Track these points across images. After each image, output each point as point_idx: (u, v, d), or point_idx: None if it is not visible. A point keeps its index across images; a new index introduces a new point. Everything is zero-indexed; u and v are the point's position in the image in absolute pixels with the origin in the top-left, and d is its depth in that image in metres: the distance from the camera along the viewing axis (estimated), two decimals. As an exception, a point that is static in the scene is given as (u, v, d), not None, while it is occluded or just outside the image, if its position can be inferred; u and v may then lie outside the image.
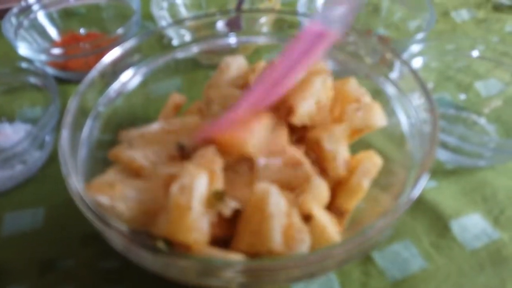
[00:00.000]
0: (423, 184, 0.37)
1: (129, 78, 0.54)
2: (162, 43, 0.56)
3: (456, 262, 0.50)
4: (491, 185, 0.58)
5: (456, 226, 0.53)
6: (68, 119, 0.44)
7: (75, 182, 0.39)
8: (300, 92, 0.47)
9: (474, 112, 0.68)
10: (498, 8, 0.93)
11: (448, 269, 0.50)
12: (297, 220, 0.40)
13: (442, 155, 0.60)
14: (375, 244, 0.38)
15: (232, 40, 0.59)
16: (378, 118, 0.48)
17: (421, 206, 0.55)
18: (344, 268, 0.49)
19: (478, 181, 0.59)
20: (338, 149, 0.45)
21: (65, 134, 0.42)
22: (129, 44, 0.53)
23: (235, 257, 0.37)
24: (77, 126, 0.46)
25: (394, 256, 0.51)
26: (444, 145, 0.57)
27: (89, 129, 0.48)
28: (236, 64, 0.56)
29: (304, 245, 0.39)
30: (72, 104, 0.45)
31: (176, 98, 0.55)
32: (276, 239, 0.38)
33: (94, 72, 0.49)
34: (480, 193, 0.57)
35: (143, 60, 0.55)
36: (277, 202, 0.39)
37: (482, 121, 0.67)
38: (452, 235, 0.53)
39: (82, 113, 0.47)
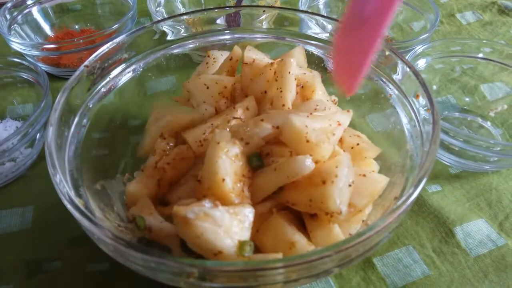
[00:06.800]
0: (422, 186, 0.36)
1: (121, 74, 0.52)
2: (155, 39, 0.55)
3: (459, 269, 0.48)
4: (496, 190, 0.56)
5: (460, 231, 0.52)
6: (55, 116, 0.42)
7: (62, 181, 0.37)
8: None
9: (479, 115, 0.66)
10: (503, 11, 0.92)
11: (451, 276, 0.48)
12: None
13: (447, 158, 0.58)
14: (374, 246, 0.36)
15: (230, 36, 0.58)
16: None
17: (424, 210, 0.54)
18: (344, 273, 0.48)
19: (483, 186, 0.57)
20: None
21: (51, 131, 0.40)
22: (120, 39, 0.51)
23: (275, 255, 0.37)
24: (65, 123, 0.44)
25: (396, 262, 0.49)
26: (449, 148, 0.56)
27: (78, 127, 0.46)
28: (223, 59, 0.54)
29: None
30: (60, 101, 0.43)
31: None
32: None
33: (82, 68, 0.47)
34: (485, 198, 0.55)
35: (136, 55, 0.53)
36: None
37: (488, 125, 0.65)
38: (456, 240, 0.51)
39: (70, 110, 0.45)
